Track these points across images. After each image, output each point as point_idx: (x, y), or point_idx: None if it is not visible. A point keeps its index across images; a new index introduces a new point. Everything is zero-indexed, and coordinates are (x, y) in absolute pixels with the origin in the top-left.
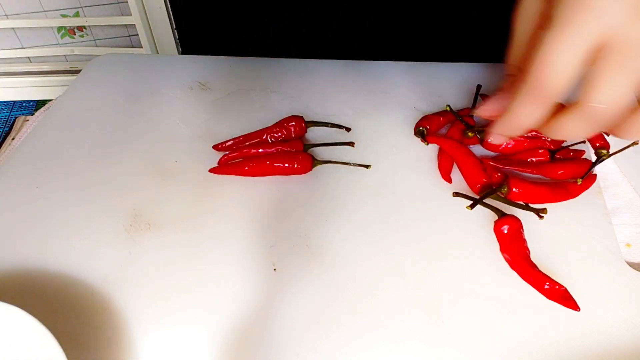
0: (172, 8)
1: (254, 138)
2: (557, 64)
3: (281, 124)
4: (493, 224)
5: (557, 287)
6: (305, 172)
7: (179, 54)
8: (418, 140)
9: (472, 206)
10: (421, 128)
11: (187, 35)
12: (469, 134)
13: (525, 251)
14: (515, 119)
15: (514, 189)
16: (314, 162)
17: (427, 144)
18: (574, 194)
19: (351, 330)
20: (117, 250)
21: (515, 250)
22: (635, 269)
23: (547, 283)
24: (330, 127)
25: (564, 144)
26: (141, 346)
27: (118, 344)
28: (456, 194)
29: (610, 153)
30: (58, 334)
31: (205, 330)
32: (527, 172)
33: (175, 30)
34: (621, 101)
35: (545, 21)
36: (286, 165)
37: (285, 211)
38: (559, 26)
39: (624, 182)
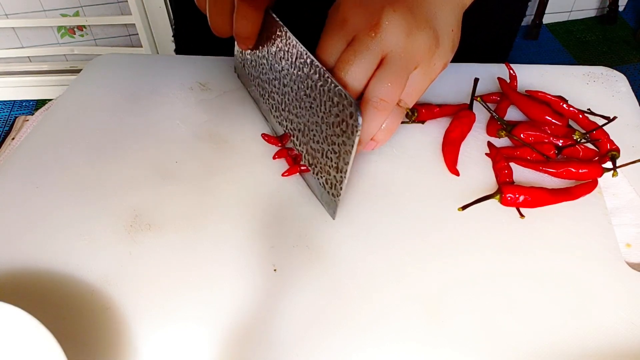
0: (172, 8)
1: None
2: (327, 47)
3: None
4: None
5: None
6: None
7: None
8: (418, 139)
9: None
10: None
11: (187, 35)
12: (502, 133)
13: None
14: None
15: (507, 195)
16: None
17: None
18: (573, 197)
19: (351, 330)
20: (117, 250)
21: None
22: (635, 269)
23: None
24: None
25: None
26: (141, 346)
27: (118, 344)
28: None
29: (620, 165)
30: (58, 334)
31: (205, 331)
32: (530, 168)
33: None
34: (358, 71)
35: None
36: None
37: (286, 211)
38: (329, 27)
39: (624, 182)
